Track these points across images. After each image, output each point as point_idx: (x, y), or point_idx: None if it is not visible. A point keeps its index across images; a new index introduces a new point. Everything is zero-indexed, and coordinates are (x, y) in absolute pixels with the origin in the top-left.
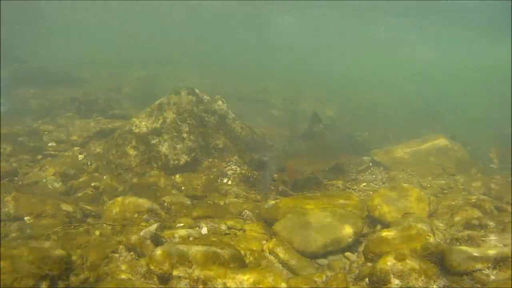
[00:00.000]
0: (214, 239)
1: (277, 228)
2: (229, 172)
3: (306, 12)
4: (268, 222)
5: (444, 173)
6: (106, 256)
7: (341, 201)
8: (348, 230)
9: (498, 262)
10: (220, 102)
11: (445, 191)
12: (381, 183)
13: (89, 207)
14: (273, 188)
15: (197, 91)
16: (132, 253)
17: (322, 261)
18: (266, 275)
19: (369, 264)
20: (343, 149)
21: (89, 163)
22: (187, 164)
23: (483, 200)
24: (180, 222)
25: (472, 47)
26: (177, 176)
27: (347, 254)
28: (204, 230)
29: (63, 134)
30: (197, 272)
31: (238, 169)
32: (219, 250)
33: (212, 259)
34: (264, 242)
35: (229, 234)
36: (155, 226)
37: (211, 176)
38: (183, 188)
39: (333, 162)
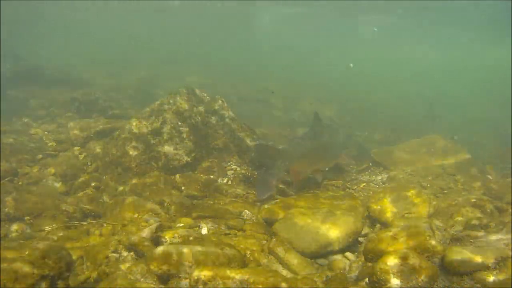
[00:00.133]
0: (214, 239)
1: (277, 228)
2: (229, 172)
3: (300, 10)
4: (268, 222)
5: (444, 173)
6: (106, 256)
7: (341, 201)
8: (348, 230)
9: (498, 262)
10: (220, 102)
11: (445, 191)
12: (381, 183)
13: (89, 207)
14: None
15: (197, 91)
16: (132, 253)
17: (322, 261)
18: (266, 275)
19: (369, 264)
20: (343, 149)
21: (89, 163)
22: (187, 164)
23: (483, 200)
24: (180, 222)
25: (472, 47)
26: (177, 176)
27: (347, 254)
28: (204, 230)
29: (63, 134)
30: (197, 272)
31: (238, 169)
32: (219, 250)
33: (212, 259)
34: (264, 242)
35: (229, 234)
36: (155, 226)
37: (211, 176)
38: (183, 188)
39: (333, 162)
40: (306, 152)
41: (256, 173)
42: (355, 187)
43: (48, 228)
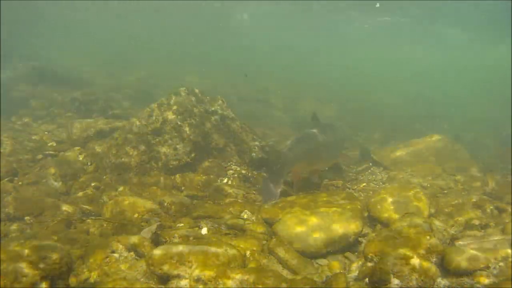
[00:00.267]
0: (214, 239)
1: (277, 228)
2: (229, 172)
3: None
4: (268, 222)
5: (444, 173)
6: (106, 256)
7: (341, 201)
8: (348, 230)
9: (498, 262)
10: (220, 102)
11: (445, 191)
12: (381, 183)
13: (89, 207)
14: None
15: (197, 91)
16: (132, 253)
17: (322, 261)
18: (266, 275)
19: (369, 264)
20: (342, 148)
21: (89, 163)
22: (187, 164)
23: (483, 200)
24: (180, 222)
25: (472, 47)
26: (177, 176)
27: (347, 254)
28: (204, 230)
29: (63, 134)
30: (197, 272)
31: (238, 169)
32: (219, 250)
33: (212, 259)
34: (264, 242)
35: (229, 234)
36: (155, 226)
37: (211, 176)
38: (183, 188)
39: (333, 161)
40: (306, 153)
41: (255, 173)
42: (355, 187)
43: (49, 221)
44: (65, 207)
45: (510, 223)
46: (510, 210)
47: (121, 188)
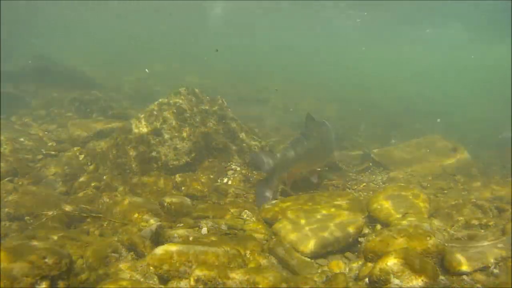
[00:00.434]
0: (214, 239)
1: (277, 228)
2: (229, 172)
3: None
4: (268, 222)
5: (444, 173)
6: (106, 256)
7: (341, 201)
8: (348, 230)
9: (498, 262)
10: (220, 102)
11: (445, 191)
12: (381, 183)
13: (89, 207)
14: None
15: (197, 91)
16: (132, 253)
17: (322, 261)
18: (266, 275)
19: (369, 264)
20: (337, 147)
21: (89, 163)
22: (187, 164)
23: (483, 200)
24: (180, 222)
25: (472, 47)
26: (177, 176)
27: (347, 254)
28: (204, 230)
29: (63, 134)
30: (197, 272)
31: (238, 169)
32: (219, 250)
33: (212, 259)
34: (264, 242)
35: (229, 234)
36: (155, 226)
37: (211, 176)
38: (183, 188)
39: (327, 160)
40: (301, 155)
41: (255, 173)
42: (355, 187)
43: (49, 213)
44: (65, 207)
45: (510, 223)
46: (510, 210)
47: (121, 188)
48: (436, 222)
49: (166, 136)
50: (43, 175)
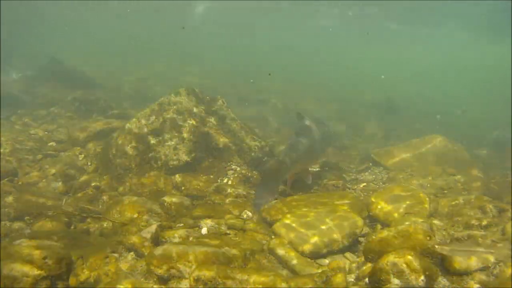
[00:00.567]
0: (214, 239)
1: (277, 228)
2: (229, 172)
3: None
4: (268, 222)
5: (444, 173)
6: (106, 256)
7: (341, 201)
8: (348, 230)
9: (498, 262)
10: (220, 102)
11: (445, 191)
12: (381, 183)
13: (89, 207)
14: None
15: (197, 91)
16: (132, 253)
17: (322, 261)
18: (266, 275)
19: (369, 264)
20: (329, 143)
21: (89, 163)
22: (187, 164)
23: (483, 200)
24: (180, 222)
25: (472, 47)
26: (177, 176)
27: (347, 254)
28: (204, 230)
29: (63, 134)
30: (197, 272)
31: (238, 169)
32: (219, 250)
33: (212, 259)
34: (264, 242)
35: (229, 234)
36: (155, 226)
37: (211, 176)
38: (183, 188)
39: (321, 157)
40: (300, 155)
41: (255, 173)
42: (355, 187)
43: (50, 213)
44: (65, 207)
45: (510, 223)
46: (510, 210)
47: (121, 188)
48: (436, 222)
49: (166, 136)
50: (43, 175)
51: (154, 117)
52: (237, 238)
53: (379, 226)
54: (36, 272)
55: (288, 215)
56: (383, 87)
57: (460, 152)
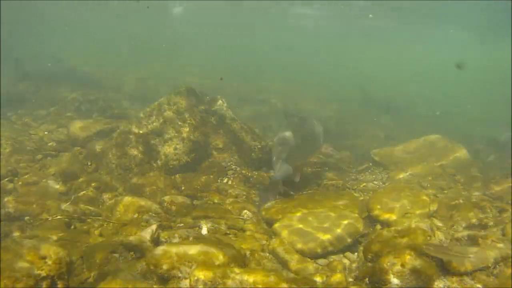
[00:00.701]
0: (214, 239)
1: (277, 228)
2: (229, 172)
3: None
4: (268, 222)
5: (444, 173)
6: (106, 256)
7: (341, 201)
8: (348, 230)
9: (498, 262)
10: (220, 102)
11: (445, 191)
12: (381, 183)
13: (89, 207)
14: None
15: (197, 91)
16: (132, 253)
17: (322, 261)
18: (266, 275)
19: (369, 264)
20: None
21: (89, 163)
22: (187, 164)
23: (483, 200)
24: (180, 222)
25: (472, 47)
26: (177, 176)
27: (347, 254)
28: (204, 230)
29: (63, 134)
30: (197, 272)
31: (238, 169)
32: (219, 250)
33: (212, 259)
34: (264, 242)
35: (229, 234)
36: (155, 226)
37: (211, 176)
38: (183, 188)
39: (316, 153)
40: (296, 154)
41: (255, 173)
42: (355, 187)
43: (49, 218)
44: (65, 207)
45: (510, 223)
46: (510, 210)
47: (121, 188)
48: (436, 222)
49: (166, 136)
50: (43, 175)
51: (154, 117)
52: (237, 238)
53: (379, 226)
54: (36, 272)
55: (288, 215)
56: (383, 87)
57: (460, 152)
